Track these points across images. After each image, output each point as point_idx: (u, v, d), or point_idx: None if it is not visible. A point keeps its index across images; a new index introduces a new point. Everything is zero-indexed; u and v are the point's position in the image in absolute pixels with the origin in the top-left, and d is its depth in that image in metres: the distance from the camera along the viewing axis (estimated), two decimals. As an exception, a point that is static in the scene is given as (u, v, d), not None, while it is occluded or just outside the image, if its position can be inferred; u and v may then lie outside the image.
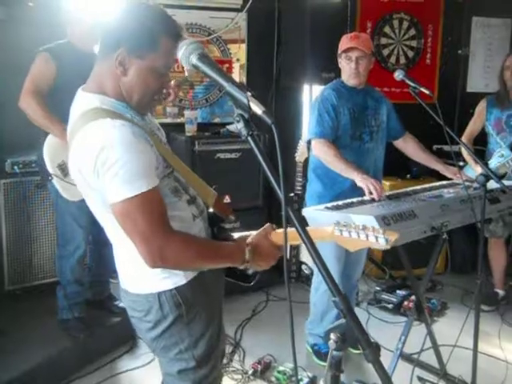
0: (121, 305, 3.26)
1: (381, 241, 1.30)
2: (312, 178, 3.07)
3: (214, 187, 1.73)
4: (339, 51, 2.92)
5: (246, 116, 1.12)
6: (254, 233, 1.56)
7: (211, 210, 1.68)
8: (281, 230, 1.51)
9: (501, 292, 3.99)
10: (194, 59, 1.25)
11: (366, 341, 0.97)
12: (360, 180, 2.59)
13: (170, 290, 1.54)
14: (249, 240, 1.52)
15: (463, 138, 3.79)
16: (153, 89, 1.48)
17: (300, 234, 1.07)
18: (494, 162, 3.56)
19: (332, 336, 1.03)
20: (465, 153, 3.67)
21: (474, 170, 3.34)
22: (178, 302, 1.54)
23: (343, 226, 1.39)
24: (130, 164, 1.33)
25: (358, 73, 2.86)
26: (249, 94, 1.12)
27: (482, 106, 3.84)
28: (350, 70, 2.87)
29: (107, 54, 1.44)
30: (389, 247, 1.32)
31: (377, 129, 2.97)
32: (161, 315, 1.55)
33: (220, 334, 1.73)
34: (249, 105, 1.11)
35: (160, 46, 1.41)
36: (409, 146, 3.11)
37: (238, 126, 1.12)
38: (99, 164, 1.34)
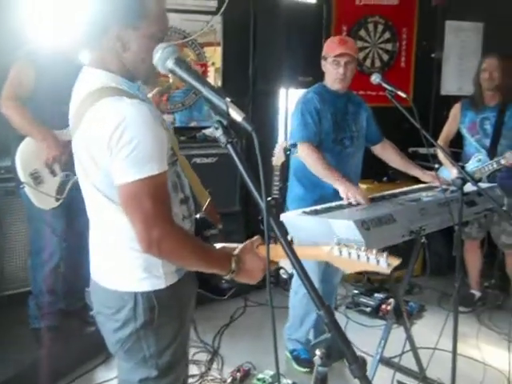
0: (96, 314, 3.18)
1: (382, 264, 1.28)
2: (293, 182, 3.06)
3: (209, 190, 1.70)
4: (325, 54, 2.90)
5: (225, 123, 1.09)
6: (236, 245, 1.53)
7: (203, 213, 1.65)
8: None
9: (477, 293, 4.03)
10: (170, 64, 1.22)
11: (352, 355, 0.94)
12: (342, 190, 2.60)
13: (148, 292, 1.50)
14: (236, 251, 1.50)
15: (439, 141, 3.82)
16: None
17: (281, 243, 1.04)
18: (470, 166, 3.61)
19: (317, 352, 1.00)
20: (441, 155, 3.68)
21: (450, 171, 3.36)
22: (152, 305, 1.50)
23: (344, 247, 1.36)
24: (144, 144, 1.31)
25: (344, 78, 2.86)
26: (228, 100, 1.09)
27: (456, 109, 3.86)
28: (336, 75, 2.86)
29: (100, 36, 1.41)
30: (388, 272, 1.30)
31: (357, 134, 2.98)
32: (132, 315, 1.50)
33: (187, 346, 1.70)
34: (228, 111, 1.08)
35: (150, 11, 1.39)
36: (386, 152, 3.12)
37: (216, 134, 1.09)
38: (114, 141, 1.31)
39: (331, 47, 2.88)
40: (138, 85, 1.50)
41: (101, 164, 1.37)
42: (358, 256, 1.33)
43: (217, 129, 1.09)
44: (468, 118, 3.76)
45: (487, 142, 3.67)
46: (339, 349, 0.95)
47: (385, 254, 1.29)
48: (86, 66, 1.47)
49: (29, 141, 2.80)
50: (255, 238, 1.53)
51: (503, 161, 3.43)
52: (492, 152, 3.62)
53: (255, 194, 1.05)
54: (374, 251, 1.30)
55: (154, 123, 1.34)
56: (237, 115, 1.07)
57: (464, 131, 3.79)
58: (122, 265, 1.49)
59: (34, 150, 2.77)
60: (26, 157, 2.78)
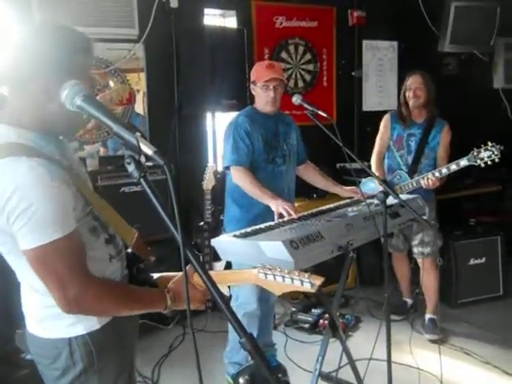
0: (28, 357, 3.04)
1: (306, 285, 1.31)
2: (229, 203, 3.11)
3: (136, 226, 1.67)
4: (254, 79, 2.98)
5: (137, 157, 1.09)
6: (174, 274, 1.53)
7: (130, 249, 1.62)
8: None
9: (409, 300, 4.18)
10: (78, 100, 1.21)
11: (277, 381, 0.95)
12: (274, 206, 2.67)
13: (82, 336, 1.46)
14: (170, 285, 1.49)
15: (374, 154, 3.89)
16: None
17: (200, 275, 1.04)
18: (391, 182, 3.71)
19: (240, 380, 1.00)
20: (375, 170, 3.80)
21: (376, 183, 3.47)
22: (89, 349, 1.46)
23: (268, 270, 1.38)
24: (42, 210, 1.27)
25: (275, 101, 2.96)
26: (138, 134, 1.09)
27: (386, 120, 3.90)
28: (267, 98, 2.95)
29: (23, 85, 1.36)
30: (314, 291, 1.33)
31: (288, 152, 3.07)
32: (70, 362, 1.46)
33: (131, 381, 1.66)
34: (139, 146, 1.08)
35: (79, 66, 1.37)
36: (308, 173, 3.26)
37: (129, 169, 1.08)
38: (9, 208, 1.26)
39: (260, 72, 2.96)
40: (53, 137, 1.44)
41: (2, 227, 1.33)
42: (283, 278, 1.35)
43: (129, 164, 1.09)
44: (396, 131, 3.83)
45: (410, 158, 3.75)
46: (263, 375, 0.96)
47: (307, 275, 1.32)
48: None
49: None
50: (187, 267, 1.52)
51: (422, 182, 3.54)
52: (413, 170, 3.71)
53: (172, 228, 1.05)
54: (296, 272, 1.33)
55: (52, 185, 1.29)
56: (148, 149, 1.07)
57: (391, 143, 3.85)
58: (51, 312, 1.43)
59: None
60: None
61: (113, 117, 1.15)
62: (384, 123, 3.92)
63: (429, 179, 3.48)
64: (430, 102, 3.73)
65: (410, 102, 3.72)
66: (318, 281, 1.33)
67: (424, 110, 3.76)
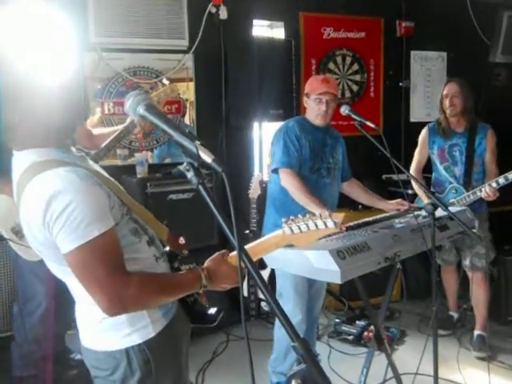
0: (77, 357, 3.13)
1: (329, 224, 1.34)
2: (270, 210, 3.10)
3: (165, 223, 1.70)
4: (308, 92, 3.01)
5: (196, 164, 1.12)
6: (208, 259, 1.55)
7: (167, 247, 1.65)
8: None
9: (455, 315, 4.07)
10: (141, 110, 1.25)
11: (328, 385, 0.97)
12: None
13: (139, 345, 1.48)
14: (204, 265, 1.51)
15: (412, 169, 3.85)
16: None
17: (257, 283, 1.07)
18: (447, 197, 3.63)
19: (293, 382, 1.02)
20: (414, 185, 3.72)
21: (423, 201, 3.43)
22: (146, 357, 1.48)
23: (291, 222, 1.40)
24: (78, 210, 1.28)
25: (326, 115, 2.97)
26: (198, 142, 1.12)
27: (423, 135, 3.85)
28: (318, 111, 2.96)
29: (26, 107, 1.37)
30: (338, 229, 1.35)
31: (334, 166, 3.06)
32: (128, 372, 1.47)
33: None
34: (198, 154, 1.11)
35: None
36: (353, 189, 3.25)
37: (188, 175, 1.12)
38: (48, 217, 1.29)
39: (314, 85, 2.99)
40: (71, 150, 1.48)
41: (44, 241, 1.37)
42: (307, 226, 1.37)
43: (188, 171, 1.12)
44: (436, 144, 3.75)
45: (456, 169, 3.67)
46: (315, 379, 0.98)
47: (327, 213, 1.35)
48: (15, 152, 1.43)
49: (1, 197, 2.73)
50: (223, 250, 1.56)
51: (480, 193, 3.45)
52: (467, 182, 3.62)
53: (228, 232, 1.08)
54: (317, 213, 1.34)
55: (85, 186, 1.32)
56: (207, 157, 1.11)
57: (433, 157, 3.79)
58: (105, 324, 1.46)
59: (10, 204, 2.73)
60: (3, 213, 2.73)
61: (173, 125, 1.19)
62: (422, 139, 3.86)
63: (487, 191, 3.39)
64: (468, 111, 3.65)
65: (447, 111, 3.65)
66: (340, 216, 1.35)
67: (462, 119, 3.67)
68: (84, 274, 1.34)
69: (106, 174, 1.54)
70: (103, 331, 1.49)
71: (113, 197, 1.41)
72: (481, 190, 3.45)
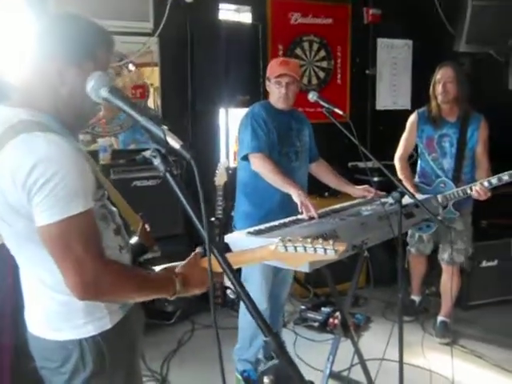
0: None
1: (329, 253, 1.28)
2: (240, 198, 3.07)
3: (140, 214, 1.64)
4: (268, 75, 2.98)
5: (163, 151, 1.07)
6: (177, 264, 1.47)
7: (136, 239, 1.57)
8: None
9: (417, 298, 4.09)
10: (104, 92, 1.19)
11: (301, 381, 0.94)
12: (297, 196, 2.61)
13: (93, 337, 1.40)
14: (178, 270, 1.43)
15: (397, 156, 3.67)
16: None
17: (226, 272, 1.03)
18: (434, 191, 3.47)
19: (265, 379, 0.99)
20: (399, 171, 3.62)
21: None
22: (101, 350, 1.40)
23: (288, 241, 1.34)
24: (65, 181, 1.20)
25: (287, 97, 2.93)
26: (165, 127, 1.07)
27: (412, 121, 3.60)
28: (279, 94, 2.92)
29: (40, 66, 1.33)
30: (337, 258, 1.30)
31: (301, 149, 3.04)
32: (80, 364, 1.39)
33: (139, 378, 1.63)
34: (166, 139, 1.06)
35: (98, 56, 1.35)
36: (321, 171, 3.22)
37: (154, 162, 1.07)
38: (31, 182, 1.20)
39: (274, 68, 2.95)
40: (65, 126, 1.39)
41: (19, 209, 1.27)
42: (305, 248, 1.32)
43: (155, 157, 1.07)
44: (425, 133, 3.53)
45: (445, 162, 3.50)
46: (287, 374, 0.95)
47: (331, 241, 1.29)
48: (2, 106, 1.34)
49: None
50: (196, 251, 1.48)
51: (470, 192, 3.30)
52: (456, 176, 3.46)
53: (196, 222, 1.03)
54: (320, 240, 1.30)
55: (75, 157, 1.25)
56: (175, 143, 1.06)
57: (421, 146, 3.58)
58: (58, 312, 1.38)
59: None
60: None
61: (140, 109, 1.13)
62: (410, 124, 3.63)
63: (478, 190, 3.24)
64: (463, 99, 3.42)
65: (439, 98, 3.41)
66: (342, 247, 1.29)
67: (455, 107, 3.45)
68: (61, 252, 1.24)
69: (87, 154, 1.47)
70: (55, 319, 1.40)
71: (93, 179, 1.34)
72: (471, 189, 3.30)
